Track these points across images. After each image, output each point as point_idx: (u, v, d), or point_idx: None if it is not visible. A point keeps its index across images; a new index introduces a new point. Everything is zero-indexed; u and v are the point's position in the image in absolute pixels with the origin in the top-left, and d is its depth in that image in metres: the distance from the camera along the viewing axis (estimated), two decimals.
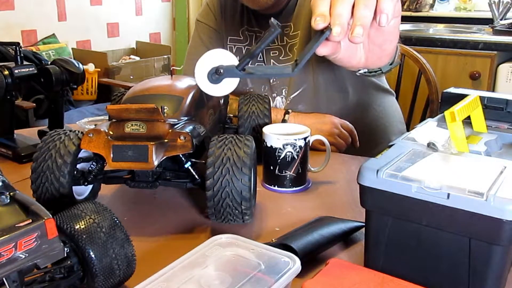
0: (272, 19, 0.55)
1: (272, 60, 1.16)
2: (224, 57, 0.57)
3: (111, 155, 0.64)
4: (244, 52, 1.19)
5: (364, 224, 0.59)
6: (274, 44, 1.14)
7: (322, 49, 0.57)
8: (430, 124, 0.67)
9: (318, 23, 0.55)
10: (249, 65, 0.59)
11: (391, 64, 0.70)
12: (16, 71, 0.93)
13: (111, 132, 0.66)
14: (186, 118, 0.71)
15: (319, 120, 1.09)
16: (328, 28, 0.55)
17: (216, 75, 0.57)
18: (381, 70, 0.72)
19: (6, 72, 0.92)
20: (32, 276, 0.47)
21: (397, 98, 1.44)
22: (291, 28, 1.13)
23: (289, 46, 1.14)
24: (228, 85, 0.59)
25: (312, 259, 0.61)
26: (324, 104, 1.15)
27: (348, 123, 1.11)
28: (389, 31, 0.59)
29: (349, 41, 0.55)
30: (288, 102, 1.16)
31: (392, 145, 0.59)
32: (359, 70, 0.68)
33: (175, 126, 0.67)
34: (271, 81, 1.18)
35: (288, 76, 0.57)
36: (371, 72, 0.76)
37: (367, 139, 1.18)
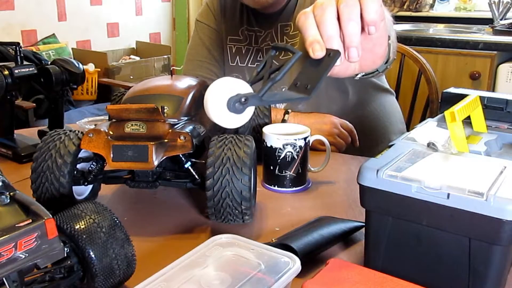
0: (290, 45, 0.52)
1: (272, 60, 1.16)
2: (237, 84, 0.51)
3: (111, 155, 0.64)
4: (243, 52, 1.19)
5: (364, 224, 0.59)
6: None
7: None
8: (430, 124, 0.67)
9: (317, 53, 0.53)
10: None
11: (386, 63, 0.69)
12: (16, 71, 0.93)
13: (111, 132, 0.66)
14: (186, 118, 0.71)
15: (319, 120, 1.09)
16: (331, 51, 0.53)
17: (240, 104, 0.49)
18: (377, 70, 0.72)
19: (6, 72, 0.92)
20: (32, 276, 0.47)
21: (397, 98, 1.44)
22: (291, 27, 1.13)
23: None
24: (247, 113, 0.52)
25: (312, 259, 0.61)
26: (324, 104, 1.15)
27: (348, 123, 1.11)
28: (378, 36, 0.59)
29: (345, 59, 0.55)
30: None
31: (392, 145, 0.59)
32: (357, 75, 0.68)
33: (175, 126, 0.67)
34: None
35: (305, 100, 0.54)
36: (368, 74, 0.76)
37: (367, 139, 1.18)
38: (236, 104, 0.49)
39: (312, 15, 0.55)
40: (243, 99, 0.49)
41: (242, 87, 0.51)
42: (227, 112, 0.50)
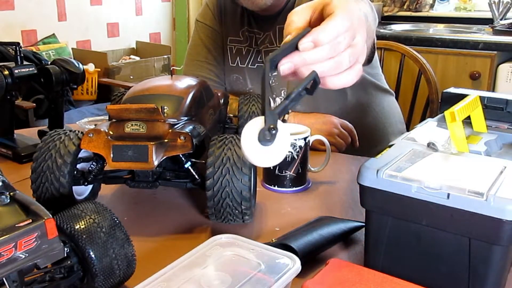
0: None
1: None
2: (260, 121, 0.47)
3: (111, 155, 0.64)
4: (244, 53, 1.19)
5: (364, 224, 0.59)
6: (273, 46, 1.14)
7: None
8: (430, 124, 0.67)
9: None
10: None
11: (369, 62, 0.68)
12: (16, 71, 0.93)
13: (111, 132, 0.66)
14: (186, 118, 0.71)
15: (319, 120, 1.09)
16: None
17: (269, 133, 0.45)
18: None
19: (6, 72, 0.92)
20: (32, 276, 0.47)
21: (397, 98, 1.44)
22: None
23: None
24: (282, 143, 0.47)
25: (312, 259, 0.61)
26: (322, 104, 1.15)
27: (347, 123, 1.11)
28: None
29: None
30: None
31: (392, 145, 0.59)
32: None
33: (175, 126, 0.67)
34: (271, 82, 1.18)
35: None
36: None
37: (367, 139, 1.18)
38: (265, 135, 0.45)
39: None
40: (271, 126, 0.45)
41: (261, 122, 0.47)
42: (260, 147, 0.46)
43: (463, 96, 0.61)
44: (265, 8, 1.08)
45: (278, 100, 1.18)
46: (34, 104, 2.39)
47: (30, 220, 0.43)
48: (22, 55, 0.97)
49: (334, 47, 0.48)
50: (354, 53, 0.50)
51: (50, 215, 0.44)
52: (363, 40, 0.51)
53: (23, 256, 0.42)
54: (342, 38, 0.48)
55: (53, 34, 3.21)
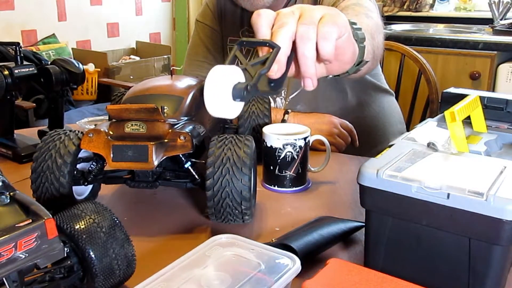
0: (270, 40, 0.52)
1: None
2: (236, 72, 0.49)
3: (111, 155, 0.64)
4: (244, 53, 1.19)
5: (364, 224, 0.59)
6: None
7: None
8: (430, 124, 0.67)
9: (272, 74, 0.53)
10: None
11: (358, 65, 0.69)
12: (16, 71, 0.93)
13: (111, 132, 0.66)
14: (186, 118, 0.71)
15: (319, 120, 1.09)
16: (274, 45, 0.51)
17: (247, 92, 0.47)
18: (348, 72, 0.72)
19: (6, 72, 0.92)
20: (32, 276, 0.47)
21: (397, 98, 1.44)
22: None
23: None
24: (243, 103, 0.50)
25: (312, 259, 0.61)
26: (323, 104, 1.15)
27: (347, 123, 1.11)
28: (339, 46, 0.57)
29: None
30: (287, 102, 1.16)
31: (392, 145, 0.59)
32: (327, 76, 0.68)
33: (175, 126, 0.67)
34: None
35: (271, 94, 0.52)
36: (339, 75, 0.76)
37: (367, 139, 1.18)
38: (243, 92, 0.46)
39: (268, 16, 0.55)
40: (248, 87, 0.47)
41: (240, 74, 0.49)
42: (231, 102, 0.47)
43: (463, 96, 0.61)
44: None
45: (279, 100, 1.18)
46: (34, 104, 2.39)
47: (30, 220, 0.43)
48: (22, 55, 0.97)
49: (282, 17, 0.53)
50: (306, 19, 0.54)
51: (50, 215, 0.44)
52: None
53: (23, 256, 0.42)
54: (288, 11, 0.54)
55: (53, 34, 3.21)
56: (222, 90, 0.46)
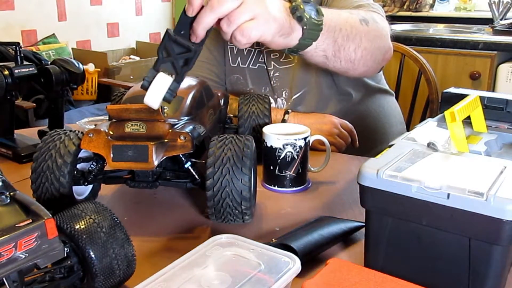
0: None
1: (272, 62, 1.16)
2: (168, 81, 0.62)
3: (111, 155, 0.64)
4: (245, 52, 1.19)
5: (364, 224, 0.59)
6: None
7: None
8: (430, 124, 0.67)
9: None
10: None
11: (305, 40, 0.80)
12: (16, 71, 0.93)
13: (111, 132, 0.66)
14: (186, 118, 0.71)
15: (319, 120, 1.09)
16: None
17: (172, 96, 0.63)
18: (297, 50, 0.83)
19: (6, 72, 0.92)
20: (32, 276, 0.47)
21: (397, 98, 1.44)
22: None
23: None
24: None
25: (312, 259, 0.61)
26: (323, 105, 1.15)
27: (347, 123, 1.11)
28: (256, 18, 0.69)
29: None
30: (289, 103, 1.16)
31: (392, 145, 0.59)
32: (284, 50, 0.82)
33: (175, 126, 0.67)
34: (272, 82, 1.18)
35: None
36: (294, 50, 0.83)
37: (367, 139, 1.18)
38: (171, 95, 0.62)
39: None
40: (175, 91, 0.63)
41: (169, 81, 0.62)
42: (160, 99, 0.62)
43: (463, 96, 0.61)
44: None
45: (280, 101, 1.18)
46: (34, 104, 2.39)
47: (30, 220, 0.43)
48: (22, 55, 0.97)
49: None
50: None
51: (50, 215, 0.44)
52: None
53: (23, 256, 0.42)
54: None
55: (53, 34, 3.21)
56: (160, 93, 0.62)
